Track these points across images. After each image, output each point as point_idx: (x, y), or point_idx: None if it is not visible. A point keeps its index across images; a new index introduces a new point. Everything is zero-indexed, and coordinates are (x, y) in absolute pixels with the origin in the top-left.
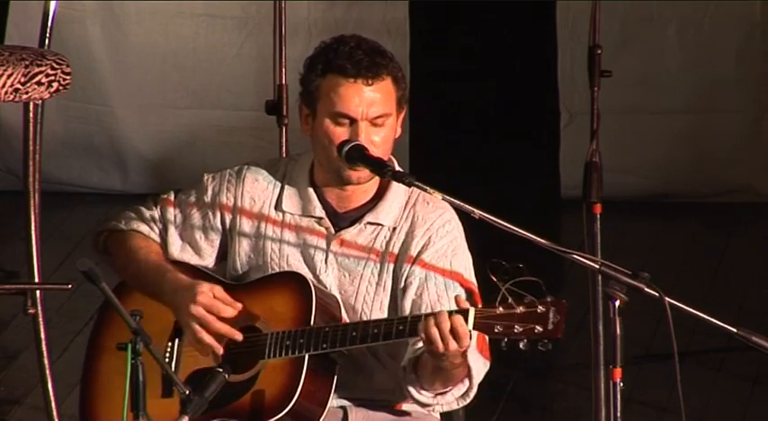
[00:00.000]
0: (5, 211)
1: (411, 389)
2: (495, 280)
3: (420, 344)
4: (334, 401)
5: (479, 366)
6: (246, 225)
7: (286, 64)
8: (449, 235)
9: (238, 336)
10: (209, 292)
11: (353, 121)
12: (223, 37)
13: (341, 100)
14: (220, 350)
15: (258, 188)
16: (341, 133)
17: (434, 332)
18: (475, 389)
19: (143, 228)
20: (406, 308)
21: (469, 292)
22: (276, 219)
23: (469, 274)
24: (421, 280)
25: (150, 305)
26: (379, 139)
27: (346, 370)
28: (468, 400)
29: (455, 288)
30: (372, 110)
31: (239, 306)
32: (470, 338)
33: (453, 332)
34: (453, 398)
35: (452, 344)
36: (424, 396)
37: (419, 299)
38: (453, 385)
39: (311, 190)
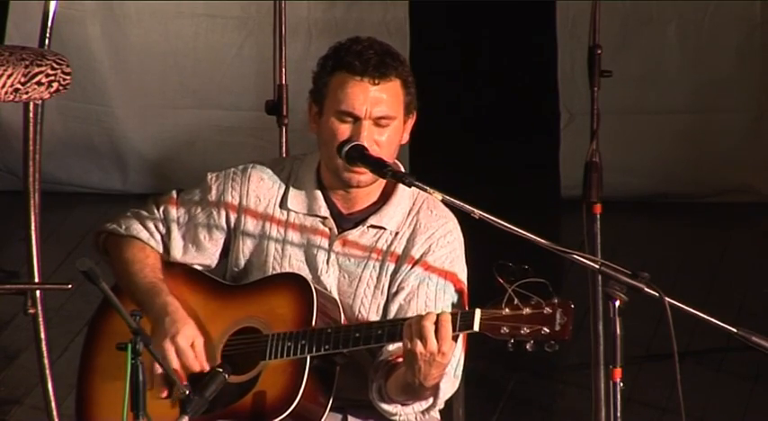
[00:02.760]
0: (5, 211)
1: (376, 395)
2: (501, 281)
3: (396, 347)
4: (333, 402)
5: (447, 387)
6: (251, 224)
7: (286, 64)
8: (449, 245)
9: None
10: (190, 338)
11: (357, 119)
12: (223, 37)
13: (346, 97)
14: (163, 392)
15: (264, 187)
16: (344, 131)
17: (413, 333)
18: (438, 407)
19: (142, 234)
20: (392, 311)
21: (460, 304)
22: (281, 218)
23: (462, 286)
24: (413, 287)
25: None
26: (382, 140)
27: (346, 371)
28: (428, 416)
29: (444, 300)
30: (376, 109)
31: (206, 367)
32: (453, 347)
33: (438, 332)
34: (413, 412)
35: (432, 344)
36: (389, 404)
37: (407, 305)
38: (417, 400)
39: (318, 190)
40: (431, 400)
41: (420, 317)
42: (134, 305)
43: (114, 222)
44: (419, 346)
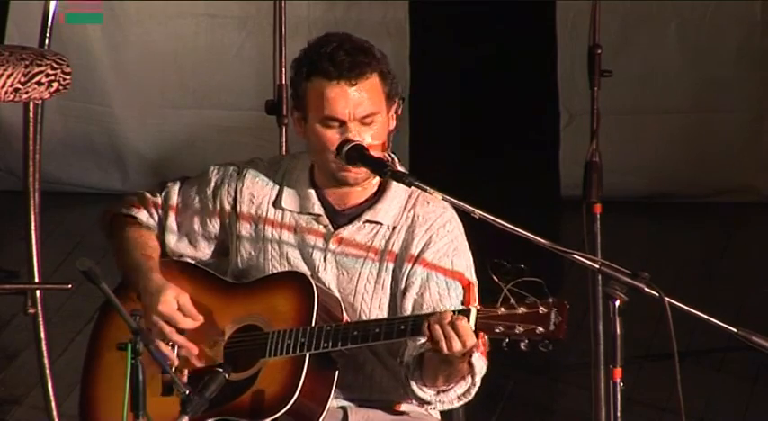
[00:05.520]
0: (5, 211)
1: (413, 385)
2: (497, 280)
3: (423, 340)
4: (333, 401)
5: (481, 364)
6: (245, 224)
7: (286, 64)
8: (450, 234)
9: (193, 351)
10: (172, 301)
11: (342, 123)
12: (223, 37)
13: (327, 103)
14: (175, 362)
15: (258, 185)
16: (332, 135)
17: (439, 332)
18: (477, 387)
19: (142, 214)
20: (407, 308)
21: (469, 291)
22: (275, 218)
23: (470, 274)
24: (422, 280)
25: None
26: (371, 137)
27: (346, 369)
28: (470, 398)
29: (456, 287)
30: (359, 110)
31: (200, 319)
32: (475, 338)
33: (457, 332)
34: (455, 396)
35: (456, 345)
36: (426, 393)
37: (420, 298)
38: (456, 382)
39: (311, 188)
40: (469, 380)
41: (439, 319)
42: (132, 290)
43: (119, 203)
44: (444, 347)
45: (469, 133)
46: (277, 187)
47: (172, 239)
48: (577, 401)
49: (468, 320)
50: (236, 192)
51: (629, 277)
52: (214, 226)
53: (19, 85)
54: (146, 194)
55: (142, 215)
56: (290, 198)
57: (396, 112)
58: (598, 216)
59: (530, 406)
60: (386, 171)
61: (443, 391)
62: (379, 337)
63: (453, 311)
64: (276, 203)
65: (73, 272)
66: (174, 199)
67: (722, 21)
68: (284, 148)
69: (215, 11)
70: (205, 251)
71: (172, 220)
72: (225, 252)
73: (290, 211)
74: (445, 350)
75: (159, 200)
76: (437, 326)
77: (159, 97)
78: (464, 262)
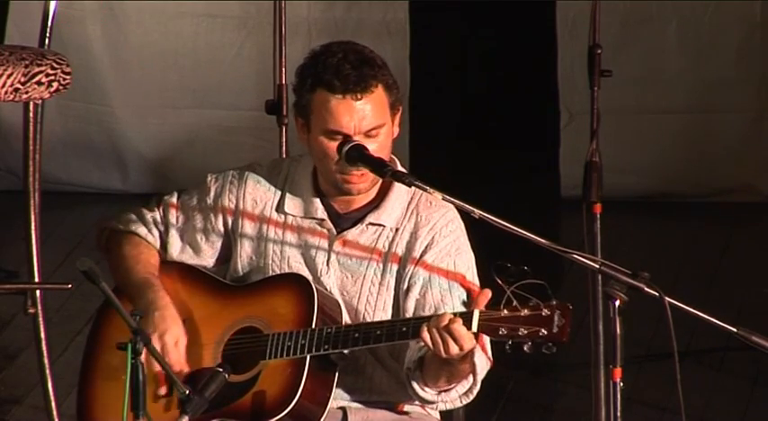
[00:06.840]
0: (5, 211)
1: (415, 385)
2: (500, 282)
3: (415, 348)
4: (333, 402)
5: (483, 363)
6: (248, 227)
7: (286, 64)
8: (452, 234)
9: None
10: (176, 338)
11: (347, 136)
12: (223, 37)
13: (332, 117)
14: (163, 391)
15: (260, 190)
16: (335, 147)
17: (435, 336)
18: (478, 386)
19: (140, 229)
20: (410, 308)
21: (471, 292)
22: (278, 221)
23: (472, 274)
24: (425, 280)
25: None
26: (375, 148)
27: (346, 370)
28: (472, 397)
29: (458, 288)
30: (365, 123)
31: (186, 369)
32: (474, 341)
33: (453, 336)
34: (457, 396)
35: (454, 348)
36: (428, 393)
37: (422, 298)
38: (458, 382)
39: (314, 192)
40: (471, 379)
41: (436, 322)
42: (128, 301)
43: (115, 219)
44: (442, 351)
45: (469, 133)
46: (279, 192)
47: (175, 250)
48: (577, 401)
49: (471, 322)
50: (237, 198)
51: (629, 277)
52: (217, 233)
53: (19, 85)
54: (143, 210)
55: (141, 230)
56: (292, 202)
57: (399, 120)
58: (598, 216)
59: (530, 406)
60: (386, 171)
61: (445, 391)
62: (380, 339)
63: (455, 314)
64: (279, 208)
65: (73, 272)
66: (174, 213)
67: (722, 21)
68: (284, 148)
69: (215, 11)
70: (209, 259)
71: (173, 231)
72: (228, 258)
73: (293, 215)
74: (442, 353)
75: (158, 214)
76: (434, 330)
77: (159, 97)
78: (466, 262)
